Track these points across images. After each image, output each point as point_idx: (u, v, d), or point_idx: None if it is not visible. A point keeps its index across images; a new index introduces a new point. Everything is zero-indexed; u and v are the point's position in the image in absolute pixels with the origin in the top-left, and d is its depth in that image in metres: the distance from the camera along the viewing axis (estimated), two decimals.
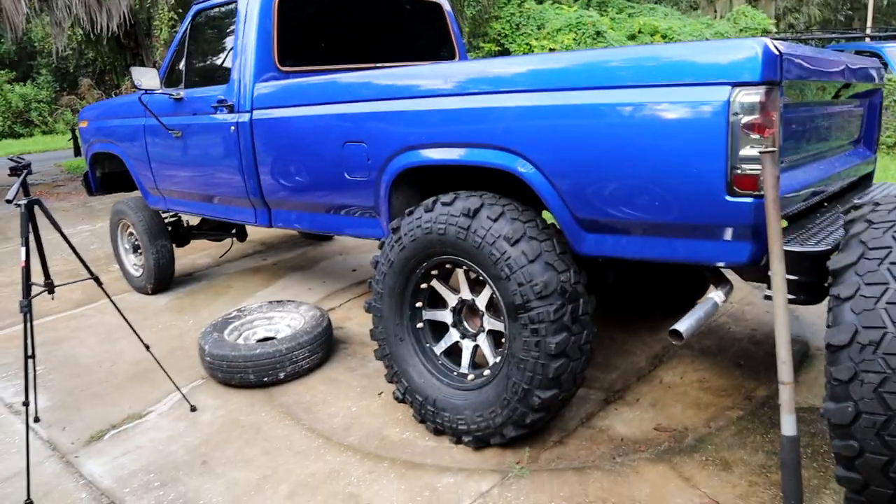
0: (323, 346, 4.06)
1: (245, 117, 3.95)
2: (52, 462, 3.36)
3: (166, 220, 5.61)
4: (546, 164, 2.67)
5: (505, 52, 10.75)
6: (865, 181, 3.59)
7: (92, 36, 10.55)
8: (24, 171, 3.21)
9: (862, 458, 2.06)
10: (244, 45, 3.97)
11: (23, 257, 3.15)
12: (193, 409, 3.73)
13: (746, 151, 2.23)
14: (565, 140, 2.60)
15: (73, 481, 3.19)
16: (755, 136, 2.22)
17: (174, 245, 5.75)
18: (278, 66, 4.00)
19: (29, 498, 3.02)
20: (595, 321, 2.93)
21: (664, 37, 9.84)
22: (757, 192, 2.26)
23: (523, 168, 2.74)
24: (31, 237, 3.25)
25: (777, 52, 2.21)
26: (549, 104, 2.61)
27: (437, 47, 4.91)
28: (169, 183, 4.88)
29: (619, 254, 2.68)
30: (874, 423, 1.99)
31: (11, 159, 3.26)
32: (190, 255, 6.75)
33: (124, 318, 3.72)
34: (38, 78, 23.66)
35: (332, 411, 3.60)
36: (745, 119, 2.20)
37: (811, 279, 2.32)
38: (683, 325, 2.36)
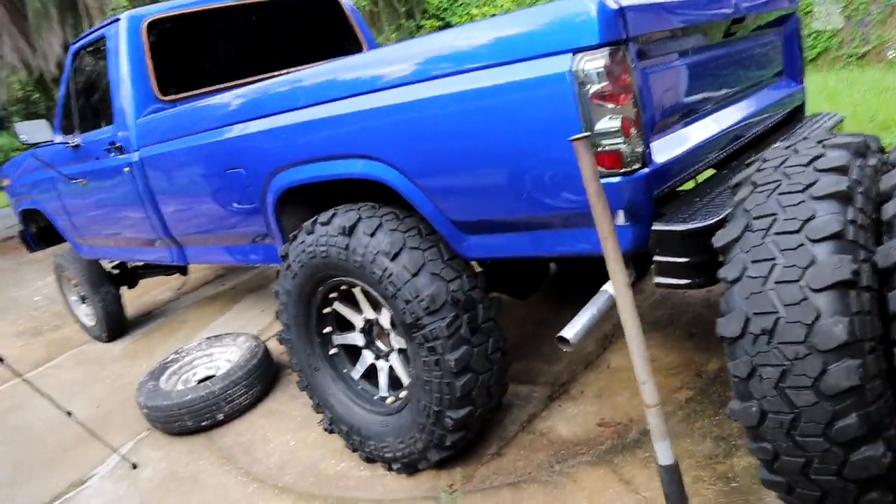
0: (261, 379, 3.85)
1: (135, 157, 3.71)
2: None
3: (111, 265, 5.42)
4: (407, 167, 2.40)
5: (447, 27, 10.27)
6: (798, 114, 3.25)
7: (29, 79, 10.30)
8: None
9: (779, 460, 1.79)
10: (119, 80, 3.71)
11: None
12: (134, 466, 3.57)
13: (604, 124, 1.94)
14: (419, 139, 2.32)
15: None
16: (610, 105, 1.92)
17: (127, 287, 5.58)
18: (159, 96, 3.73)
19: None
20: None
21: None
22: (625, 169, 1.98)
23: (388, 175, 2.47)
24: None
25: (616, 6, 1.90)
26: (396, 102, 2.33)
27: (339, 42, 4.59)
28: (89, 231, 4.68)
29: (503, 254, 2.41)
30: (781, 422, 1.72)
31: None
32: (152, 292, 6.58)
33: (39, 391, 3.51)
34: (10, 127, 23.31)
35: (270, 449, 3.40)
36: (594, 88, 1.91)
37: (704, 258, 2.02)
38: (572, 330, 2.09)
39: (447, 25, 9.93)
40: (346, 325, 3.05)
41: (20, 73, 10.36)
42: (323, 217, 2.73)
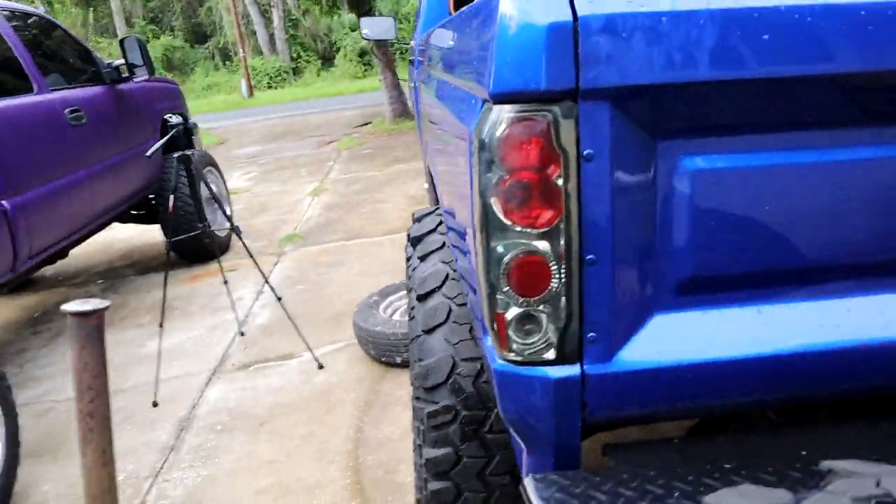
0: None
1: (415, 73, 3.54)
2: (201, 376, 3.82)
3: None
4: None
5: None
6: None
7: None
8: (175, 129, 3.51)
9: None
10: None
11: (171, 203, 3.49)
12: (321, 367, 3.73)
13: (501, 251, 1.00)
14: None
15: (191, 399, 3.58)
16: (515, 224, 0.99)
17: None
18: (453, 13, 3.40)
19: (155, 400, 3.54)
20: None
21: None
22: (515, 356, 1.03)
23: None
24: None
25: (570, 17, 0.89)
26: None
27: None
28: None
29: None
30: None
31: (170, 117, 3.60)
32: None
33: (261, 271, 3.80)
34: None
35: (399, 416, 3.16)
36: (497, 178, 0.99)
37: None
38: None
39: None
40: None
41: None
42: (422, 210, 2.20)
